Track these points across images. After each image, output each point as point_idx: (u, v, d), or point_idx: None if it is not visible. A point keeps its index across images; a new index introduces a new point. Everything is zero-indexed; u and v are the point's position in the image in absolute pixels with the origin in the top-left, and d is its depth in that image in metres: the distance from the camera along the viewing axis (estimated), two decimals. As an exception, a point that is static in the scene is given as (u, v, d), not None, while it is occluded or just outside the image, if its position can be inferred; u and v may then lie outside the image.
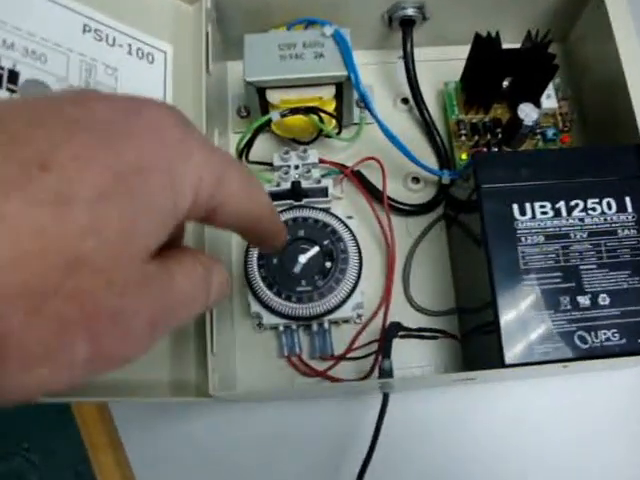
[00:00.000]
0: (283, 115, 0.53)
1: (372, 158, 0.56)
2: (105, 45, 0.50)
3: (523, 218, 0.46)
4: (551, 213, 0.47)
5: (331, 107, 0.56)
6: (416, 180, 0.59)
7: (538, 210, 0.47)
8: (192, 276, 0.27)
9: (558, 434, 0.55)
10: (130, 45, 0.52)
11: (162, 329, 0.25)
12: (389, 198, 0.57)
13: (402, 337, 0.54)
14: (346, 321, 0.55)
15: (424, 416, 0.55)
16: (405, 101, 0.62)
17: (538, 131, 0.58)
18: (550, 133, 0.58)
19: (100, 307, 0.21)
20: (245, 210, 0.29)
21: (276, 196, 0.54)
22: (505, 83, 0.58)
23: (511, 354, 0.44)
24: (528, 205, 0.47)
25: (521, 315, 0.44)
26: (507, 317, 0.44)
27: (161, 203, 0.23)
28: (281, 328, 0.54)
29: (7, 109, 0.21)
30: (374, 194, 0.57)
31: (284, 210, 0.54)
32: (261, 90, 0.54)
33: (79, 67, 0.47)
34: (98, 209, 0.20)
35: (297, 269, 0.51)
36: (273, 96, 0.54)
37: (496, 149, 0.57)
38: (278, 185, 0.55)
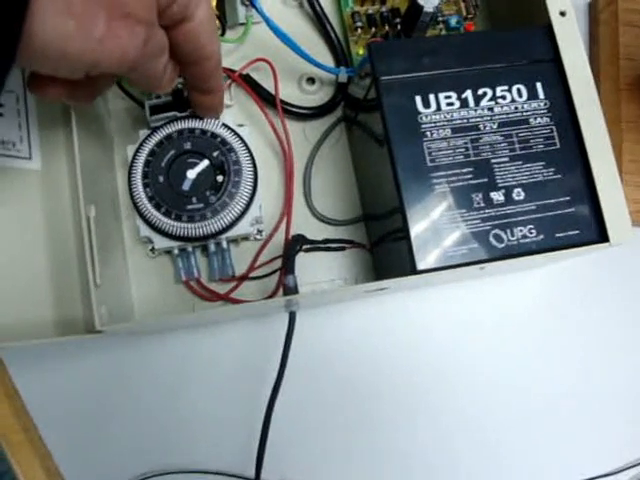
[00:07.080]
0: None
1: (262, 59, 0.51)
2: None
3: (427, 111, 0.42)
4: (457, 104, 0.43)
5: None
6: (311, 81, 0.54)
7: (443, 101, 0.43)
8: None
9: (475, 339, 0.54)
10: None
11: (144, 59, 0.33)
12: (283, 102, 0.52)
13: (307, 251, 0.51)
14: (246, 238, 0.50)
15: (337, 332, 0.52)
16: (296, -5, 0.56)
17: (440, 19, 0.53)
18: (453, 21, 0.54)
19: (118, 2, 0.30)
20: (202, 38, 0.36)
21: (157, 109, 0.48)
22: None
23: (423, 259, 0.40)
24: (432, 96, 0.43)
25: (431, 217, 0.41)
26: (416, 220, 0.41)
27: None
28: (176, 251, 0.49)
29: None
30: (266, 99, 0.52)
31: (167, 123, 0.48)
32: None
33: None
34: None
35: (186, 186, 0.47)
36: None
37: (396, 41, 0.52)
38: (158, 97, 0.49)
